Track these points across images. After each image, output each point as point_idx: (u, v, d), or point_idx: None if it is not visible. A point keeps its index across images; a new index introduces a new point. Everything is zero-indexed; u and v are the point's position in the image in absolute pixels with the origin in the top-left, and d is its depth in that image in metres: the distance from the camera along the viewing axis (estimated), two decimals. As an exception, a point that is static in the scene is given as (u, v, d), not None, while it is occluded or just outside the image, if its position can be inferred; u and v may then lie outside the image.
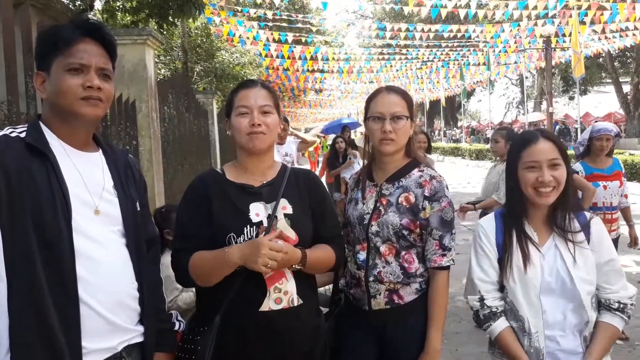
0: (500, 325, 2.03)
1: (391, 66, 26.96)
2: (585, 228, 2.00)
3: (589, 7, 17.36)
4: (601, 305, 2.02)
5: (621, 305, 2.00)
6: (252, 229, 1.87)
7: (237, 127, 1.95)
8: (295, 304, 1.89)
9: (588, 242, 1.99)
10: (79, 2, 8.30)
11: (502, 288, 2.07)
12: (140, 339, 1.69)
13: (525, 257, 1.98)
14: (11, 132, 1.54)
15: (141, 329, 1.70)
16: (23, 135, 1.54)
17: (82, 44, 1.58)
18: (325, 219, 2.05)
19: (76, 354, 1.49)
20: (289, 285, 1.89)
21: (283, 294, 1.87)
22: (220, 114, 8.70)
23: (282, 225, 1.91)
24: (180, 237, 1.96)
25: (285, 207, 1.95)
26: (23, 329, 1.44)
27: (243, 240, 1.86)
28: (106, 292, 1.57)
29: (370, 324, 2.19)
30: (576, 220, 2.01)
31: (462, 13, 17.35)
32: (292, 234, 1.91)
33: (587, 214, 2.06)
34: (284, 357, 1.89)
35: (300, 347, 1.92)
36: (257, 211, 1.91)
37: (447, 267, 2.14)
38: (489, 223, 2.12)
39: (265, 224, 1.89)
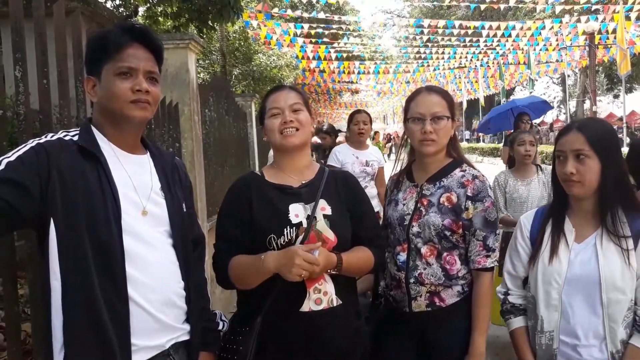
0: (517, 322, 2.06)
1: (428, 65, 26.64)
2: (636, 234, 1.83)
3: (634, 2, 16.77)
4: (634, 323, 1.83)
5: None
6: (292, 230, 1.88)
7: (270, 128, 1.99)
8: (335, 305, 1.90)
9: (635, 249, 1.83)
10: (122, 9, 8.53)
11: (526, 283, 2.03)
12: (186, 337, 1.72)
13: (553, 250, 1.91)
14: (65, 136, 1.59)
15: (187, 327, 1.72)
16: (76, 138, 1.58)
17: (131, 48, 1.61)
18: (363, 219, 2.04)
19: (126, 350, 1.52)
20: (328, 286, 1.90)
21: (323, 295, 1.88)
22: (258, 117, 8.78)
23: (321, 226, 1.91)
24: (221, 239, 1.99)
25: (324, 207, 1.96)
26: (76, 326, 1.48)
27: (283, 242, 1.87)
28: (154, 291, 1.60)
29: (411, 327, 2.17)
30: (628, 224, 1.85)
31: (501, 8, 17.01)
32: (331, 235, 1.91)
33: None
34: (323, 357, 1.90)
35: (339, 348, 1.93)
36: (297, 212, 1.92)
37: (491, 269, 2.10)
38: (528, 218, 2.08)
39: (304, 224, 1.90)
